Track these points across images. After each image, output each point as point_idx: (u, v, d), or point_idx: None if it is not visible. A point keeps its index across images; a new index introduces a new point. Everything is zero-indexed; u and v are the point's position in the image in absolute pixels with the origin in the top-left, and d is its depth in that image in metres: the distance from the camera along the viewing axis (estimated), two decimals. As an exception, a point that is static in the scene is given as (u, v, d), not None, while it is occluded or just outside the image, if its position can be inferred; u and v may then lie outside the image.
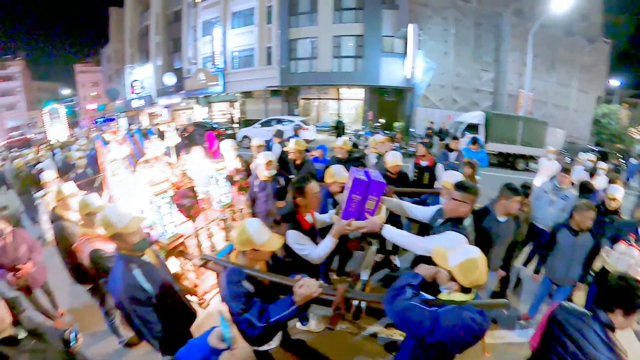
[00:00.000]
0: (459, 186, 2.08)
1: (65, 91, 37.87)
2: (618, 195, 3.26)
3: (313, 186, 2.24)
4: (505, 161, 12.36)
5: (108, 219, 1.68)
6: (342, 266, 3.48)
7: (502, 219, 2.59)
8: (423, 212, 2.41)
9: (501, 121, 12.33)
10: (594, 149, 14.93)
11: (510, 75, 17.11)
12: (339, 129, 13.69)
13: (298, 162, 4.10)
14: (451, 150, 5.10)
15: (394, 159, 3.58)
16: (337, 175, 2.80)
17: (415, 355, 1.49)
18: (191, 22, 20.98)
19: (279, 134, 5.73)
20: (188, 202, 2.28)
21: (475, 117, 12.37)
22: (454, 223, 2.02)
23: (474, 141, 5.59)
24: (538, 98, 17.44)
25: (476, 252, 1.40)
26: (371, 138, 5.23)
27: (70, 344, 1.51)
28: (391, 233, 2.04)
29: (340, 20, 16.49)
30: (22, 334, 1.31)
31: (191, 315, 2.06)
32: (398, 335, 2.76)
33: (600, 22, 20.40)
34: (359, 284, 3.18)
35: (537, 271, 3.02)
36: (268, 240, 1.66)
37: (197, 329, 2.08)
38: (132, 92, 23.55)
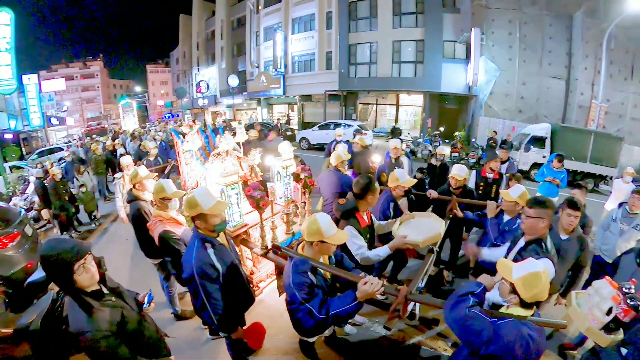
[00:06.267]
0: (534, 202, 2.02)
1: (137, 88, 42.51)
2: None
3: (376, 186, 2.31)
4: (573, 180, 11.65)
5: (196, 199, 1.76)
6: (395, 273, 3.39)
7: (564, 236, 2.45)
8: (500, 253, 2.34)
9: (570, 135, 11.33)
10: None
11: (582, 85, 15.88)
12: (395, 134, 13.76)
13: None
14: (503, 161, 4.84)
15: (459, 172, 3.38)
16: (401, 179, 2.76)
17: None
18: (254, 27, 22.38)
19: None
20: (258, 195, 2.30)
21: (542, 129, 11.60)
22: (536, 246, 1.97)
23: (560, 159, 5.08)
24: (613, 111, 15.91)
25: (541, 267, 1.35)
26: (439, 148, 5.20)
27: (144, 307, 1.63)
28: (489, 254, 2.11)
29: (400, 25, 16.50)
30: (105, 290, 1.44)
31: (250, 299, 2.14)
32: (442, 350, 2.73)
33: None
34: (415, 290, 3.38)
35: None
36: (335, 234, 1.73)
37: (247, 314, 2.18)
38: (198, 92, 25.65)
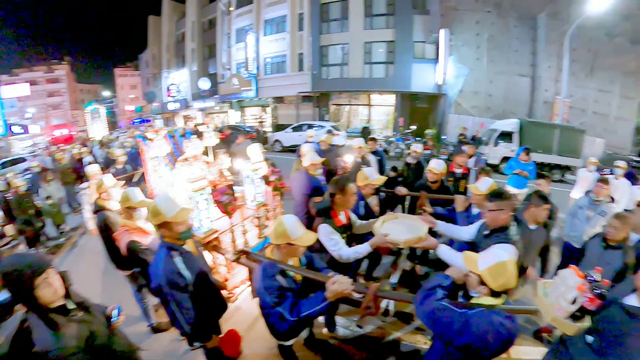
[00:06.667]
0: (492, 195, 2.12)
1: (106, 93, 40.66)
2: None
3: (352, 186, 2.32)
4: (540, 171, 12.15)
5: (158, 208, 1.74)
6: (370, 270, 3.47)
7: (532, 226, 2.58)
8: (469, 232, 2.41)
9: (536, 129, 11.94)
10: (636, 159, 14.17)
11: (547, 82, 16.58)
12: (364, 134, 13.86)
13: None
14: (470, 156, 5.05)
15: (436, 166, 3.47)
16: (370, 177, 2.78)
17: (444, 358, 1.48)
18: (225, 29, 21.86)
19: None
20: (226, 199, 2.34)
21: (510, 124, 12.11)
22: (500, 234, 2.03)
23: (527, 152, 5.26)
24: (576, 105, 16.77)
25: (506, 255, 1.39)
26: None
27: (112, 320, 1.59)
28: (445, 252, 2.08)
29: (371, 26, 16.64)
30: (71, 305, 1.40)
31: (223, 306, 2.13)
32: (422, 344, 2.78)
33: (644, 22, 19.21)
34: (388, 287, 3.25)
35: None
36: (302, 235, 1.72)
37: (224, 322, 2.17)
38: (169, 95, 24.84)
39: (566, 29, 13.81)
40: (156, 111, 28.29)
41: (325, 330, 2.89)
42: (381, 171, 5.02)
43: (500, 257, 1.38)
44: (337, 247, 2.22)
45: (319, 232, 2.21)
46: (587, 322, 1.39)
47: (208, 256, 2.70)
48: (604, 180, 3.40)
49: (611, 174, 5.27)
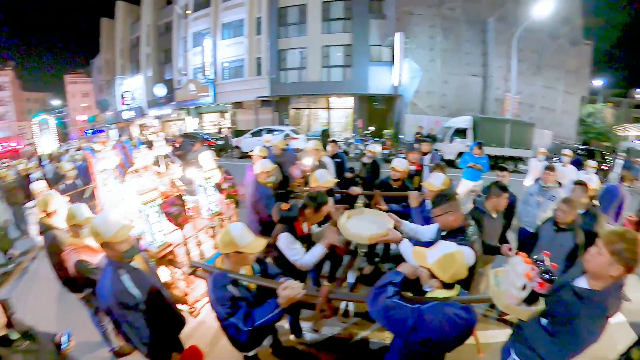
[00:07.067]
0: (435, 201, 2.09)
1: (55, 102, 37.63)
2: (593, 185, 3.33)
3: (328, 207, 2.32)
4: (495, 164, 12.66)
5: (96, 228, 1.69)
6: (333, 272, 3.49)
7: (494, 215, 2.73)
8: (430, 232, 2.39)
9: (488, 124, 12.60)
10: (581, 147, 15.23)
11: (497, 80, 17.44)
12: (324, 137, 13.82)
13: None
14: (424, 153, 5.16)
15: (398, 164, 3.53)
16: (320, 179, 2.77)
17: (404, 355, 1.47)
18: (182, 33, 21.16)
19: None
20: (176, 210, 2.29)
21: (463, 121, 12.66)
22: (458, 235, 1.99)
23: (479, 146, 5.47)
24: (525, 101, 17.79)
25: (453, 247, 1.40)
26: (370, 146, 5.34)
27: (62, 347, 1.53)
28: (406, 247, 2.06)
29: (328, 30, 16.77)
30: (14, 335, 1.34)
31: (180, 322, 2.07)
32: (389, 340, 2.70)
33: (581, 25, 20.86)
34: (345, 286, 3.19)
35: None
36: (250, 242, 1.67)
37: (187, 338, 2.10)
38: (123, 103, 23.47)
39: (514, 31, 14.75)
40: (110, 120, 26.59)
41: (292, 337, 2.85)
42: (343, 173, 5.05)
43: (447, 249, 1.39)
44: (298, 256, 2.21)
45: (279, 240, 2.21)
46: (541, 305, 1.39)
47: (166, 271, 2.63)
48: (550, 168, 3.67)
49: (559, 162, 5.67)
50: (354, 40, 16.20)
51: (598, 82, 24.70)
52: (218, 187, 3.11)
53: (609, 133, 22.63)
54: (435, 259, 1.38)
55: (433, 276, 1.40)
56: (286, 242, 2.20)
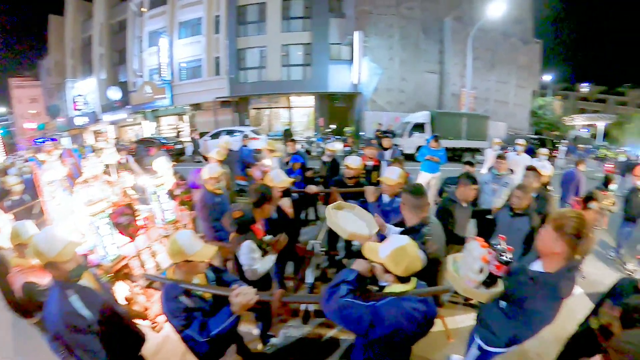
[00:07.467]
0: (403, 192, 2.11)
1: (0, 109, 34.51)
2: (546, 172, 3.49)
3: (272, 194, 2.34)
4: (453, 155, 13.12)
5: (38, 248, 1.55)
6: (296, 272, 3.38)
7: (464, 204, 2.83)
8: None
9: (445, 118, 13.10)
10: (533, 137, 16.20)
11: (453, 77, 18.18)
12: (287, 136, 13.74)
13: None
14: (385, 148, 5.25)
15: (352, 162, 3.47)
16: (275, 180, 2.75)
17: (367, 352, 1.43)
18: (137, 32, 20.16)
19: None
20: (125, 220, 2.23)
21: (421, 116, 13.05)
22: (414, 233, 1.96)
23: (436, 139, 5.64)
24: (480, 96, 18.67)
25: (404, 240, 1.38)
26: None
27: None
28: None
29: (288, 29, 16.65)
30: None
31: (139, 339, 1.97)
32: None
33: (531, 25, 22.30)
34: (303, 287, 3.10)
35: None
36: (200, 250, 1.63)
37: (154, 355, 2.06)
38: (75, 109, 21.95)
39: (469, 30, 15.48)
40: (62, 128, 24.79)
41: (260, 346, 2.77)
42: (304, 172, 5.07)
43: (398, 243, 1.37)
44: (253, 267, 2.19)
45: (241, 249, 2.17)
46: (499, 287, 1.41)
47: (124, 286, 2.52)
48: (500, 157, 3.90)
49: (514, 151, 6.00)
50: (313, 39, 16.20)
51: (547, 77, 26.51)
52: (171, 193, 3.03)
53: (558, 123, 24.50)
54: (387, 253, 1.36)
55: (387, 271, 1.37)
56: (247, 251, 2.16)
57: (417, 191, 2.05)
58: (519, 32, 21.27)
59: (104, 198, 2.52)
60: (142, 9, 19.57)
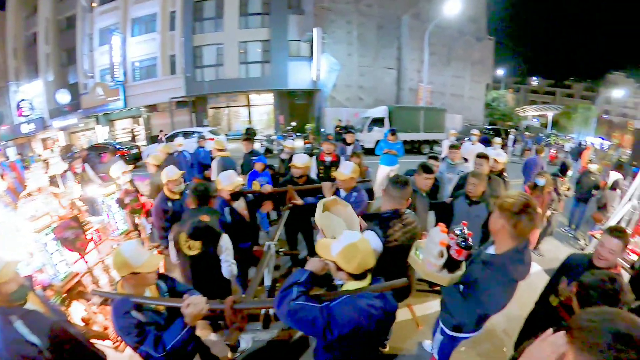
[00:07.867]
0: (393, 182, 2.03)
1: None
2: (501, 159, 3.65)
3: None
4: (412, 148, 13.57)
5: None
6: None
7: (424, 194, 2.88)
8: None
9: (404, 113, 13.57)
10: (488, 127, 17.15)
11: (411, 72, 18.82)
12: (249, 135, 13.56)
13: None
14: (348, 144, 5.34)
15: (298, 161, 3.39)
16: (223, 182, 2.73)
17: (329, 353, 1.38)
18: (87, 29, 18.88)
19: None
20: (72, 235, 2.08)
21: (380, 111, 13.40)
22: (380, 221, 1.95)
23: (393, 132, 5.73)
24: (437, 90, 19.53)
25: (355, 237, 1.37)
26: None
27: None
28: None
29: (246, 25, 16.42)
30: None
31: (97, 358, 1.89)
32: None
33: (485, 23, 23.57)
34: (263, 290, 3.07)
35: None
36: (146, 261, 1.58)
37: None
38: (20, 115, 20.21)
39: (426, 27, 16.02)
40: (6, 137, 22.70)
41: (229, 354, 2.71)
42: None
43: (349, 240, 1.34)
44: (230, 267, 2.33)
45: (222, 244, 2.28)
46: (460, 271, 1.45)
47: (80, 306, 2.40)
48: (453, 147, 4.00)
49: (469, 141, 6.25)
50: (272, 36, 16.09)
51: (500, 72, 28.25)
52: (120, 202, 2.93)
53: (511, 114, 26.28)
54: (339, 251, 1.33)
55: (340, 269, 1.35)
56: (230, 246, 2.27)
57: (397, 183, 1.97)
58: (473, 29, 22.40)
59: (48, 212, 2.37)
60: (93, 4, 18.40)
